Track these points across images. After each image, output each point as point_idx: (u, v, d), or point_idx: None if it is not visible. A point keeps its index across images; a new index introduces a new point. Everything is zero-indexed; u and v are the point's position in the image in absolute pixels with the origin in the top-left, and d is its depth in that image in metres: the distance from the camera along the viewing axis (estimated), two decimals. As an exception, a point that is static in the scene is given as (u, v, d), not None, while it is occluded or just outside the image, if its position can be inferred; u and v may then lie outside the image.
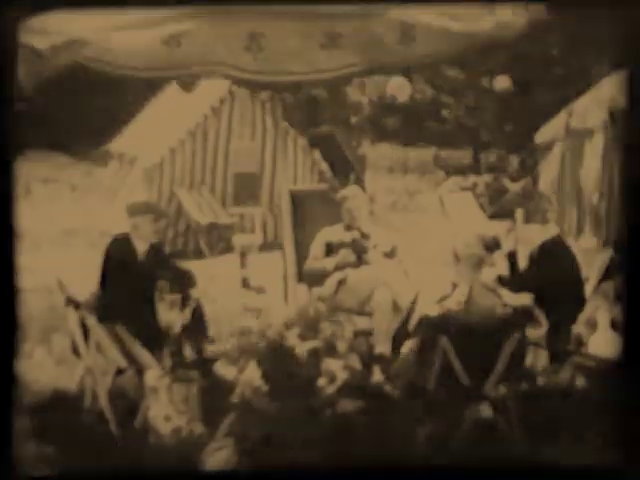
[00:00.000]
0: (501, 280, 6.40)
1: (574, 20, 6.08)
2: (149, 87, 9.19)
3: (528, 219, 6.64)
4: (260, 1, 5.86)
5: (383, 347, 6.43)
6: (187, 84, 6.95)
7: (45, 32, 5.60)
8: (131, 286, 6.24)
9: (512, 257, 6.52)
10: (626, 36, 5.70)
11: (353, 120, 9.97)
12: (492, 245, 6.51)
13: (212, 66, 5.95)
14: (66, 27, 5.64)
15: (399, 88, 6.94)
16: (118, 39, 5.71)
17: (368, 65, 6.04)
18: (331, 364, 5.96)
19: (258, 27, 5.84)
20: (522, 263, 6.51)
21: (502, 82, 7.14)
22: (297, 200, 7.35)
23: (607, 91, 8.61)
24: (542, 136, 9.84)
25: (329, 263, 6.87)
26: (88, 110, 8.92)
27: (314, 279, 6.90)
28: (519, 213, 7.33)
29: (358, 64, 6.01)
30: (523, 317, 5.92)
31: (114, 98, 8.84)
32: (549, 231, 6.51)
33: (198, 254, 9.19)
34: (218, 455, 5.62)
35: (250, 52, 5.87)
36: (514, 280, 6.43)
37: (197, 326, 6.31)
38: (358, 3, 5.95)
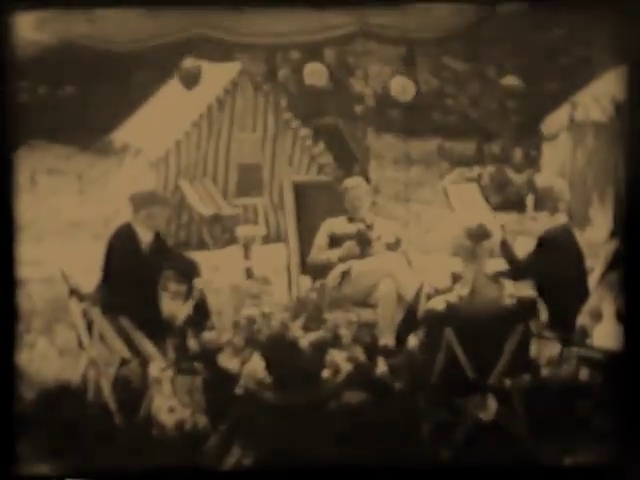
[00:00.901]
0: (505, 270, 6.39)
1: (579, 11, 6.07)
2: (153, 75, 9.15)
3: (537, 209, 6.61)
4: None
5: (387, 339, 6.42)
6: (189, 81, 6.89)
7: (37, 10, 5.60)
8: (135, 277, 6.23)
9: (505, 246, 6.49)
10: (629, 29, 5.69)
11: (357, 111, 9.93)
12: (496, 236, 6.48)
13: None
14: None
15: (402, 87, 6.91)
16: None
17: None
18: (335, 356, 5.95)
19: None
20: (525, 252, 6.49)
21: (509, 80, 7.11)
22: (300, 191, 7.34)
23: (611, 82, 8.58)
24: (547, 127, 9.81)
25: (333, 255, 6.85)
26: (91, 99, 8.90)
27: (318, 270, 6.89)
28: (529, 202, 7.30)
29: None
30: (527, 308, 5.90)
31: (117, 87, 8.80)
32: (557, 220, 6.49)
33: (201, 246, 9.16)
34: (221, 447, 5.61)
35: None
36: (518, 269, 6.41)
37: (201, 317, 6.30)
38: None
